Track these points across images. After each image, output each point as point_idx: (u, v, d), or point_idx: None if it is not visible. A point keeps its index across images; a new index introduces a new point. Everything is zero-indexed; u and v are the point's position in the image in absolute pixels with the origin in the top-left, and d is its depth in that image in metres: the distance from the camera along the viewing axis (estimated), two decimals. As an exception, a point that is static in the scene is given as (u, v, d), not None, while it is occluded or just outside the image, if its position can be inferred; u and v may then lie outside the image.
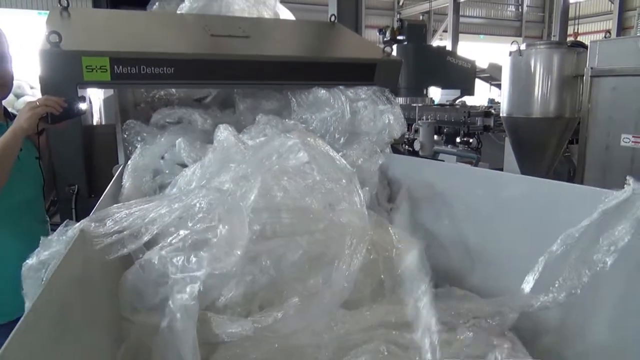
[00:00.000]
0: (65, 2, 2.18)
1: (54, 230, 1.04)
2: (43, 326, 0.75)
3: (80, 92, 1.88)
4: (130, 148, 2.03)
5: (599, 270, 1.06)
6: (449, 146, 7.08)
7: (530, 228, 1.39)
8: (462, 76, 9.09)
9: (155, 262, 1.03)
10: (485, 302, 1.30)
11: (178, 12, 2.65)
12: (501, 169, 5.53)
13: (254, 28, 2.46)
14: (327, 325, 1.13)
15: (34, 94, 7.43)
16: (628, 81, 3.98)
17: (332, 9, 5.44)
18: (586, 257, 1.09)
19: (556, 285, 1.12)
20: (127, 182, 1.70)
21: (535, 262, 1.19)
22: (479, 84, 10.01)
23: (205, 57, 2.12)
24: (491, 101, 10.81)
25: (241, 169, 1.25)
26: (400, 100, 8.03)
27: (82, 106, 1.79)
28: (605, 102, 4.17)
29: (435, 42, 16.10)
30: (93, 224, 1.06)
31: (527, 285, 1.18)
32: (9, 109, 1.95)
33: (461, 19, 16.89)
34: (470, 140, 6.76)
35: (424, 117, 7.31)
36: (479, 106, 8.05)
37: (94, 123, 2.74)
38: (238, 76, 2.19)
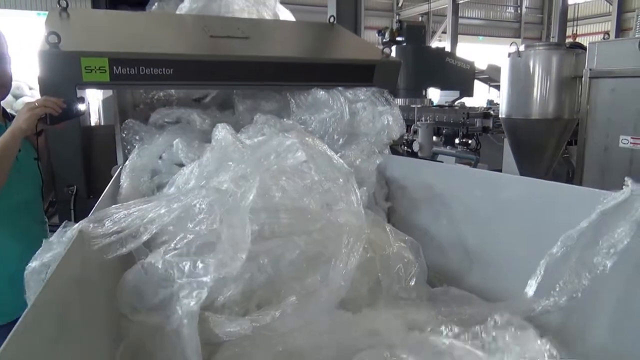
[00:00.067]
0: (65, 2, 2.18)
1: (52, 231, 1.04)
2: (42, 326, 0.75)
3: (79, 93, 1.88)
4: (128, 147, 2.03)
5: (599, 273, 1.07)
6: (447, 147, 7.08)
7: (529, 229, 1.39)
8: (461, 77, 9.09)
9: (160, 266, 1.03)
10: (487, 307, 1.30)
11: (177, 12, 2.65)
12: (500, 170, 5.53)
13: (253, 29, 2.46)
14: (329, 327, 1.13)
15: (33, 95, 7.43)
16: (627, 82, 3.99)
17: (332, 10, 5.45)
18: (586, 260, 1.09)
19: (557, 289, 1.12)
20: (124, 182, 1.71)
21: (533, 262, 1.19)
22: (478, 85, 10.01)
23: (204, 58, 2.12)
24: (490, 102, 10.82)
25: (240, 169, 1.25)
26: (399, 101, 8.03)
27: (81, 107, 1.79)
28: (604, 104, 4.18)
29: (434, 44, 16.13)
30: (92, 225, 1.06)
31: (530, 289, 1.18)
32: (8, 110, 1.95)
33: (460, 21, 16.91)
34: (469, 142, 6.75)
35: (423, 118, 7.31)
36: (478, 107, 8.05)
37: (92, 124, 2.74)
38: (237, 77, 2.19)
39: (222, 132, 1.41)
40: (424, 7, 18.80)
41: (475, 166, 6.06)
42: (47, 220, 1.98)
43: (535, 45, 5.08)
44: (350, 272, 1.11)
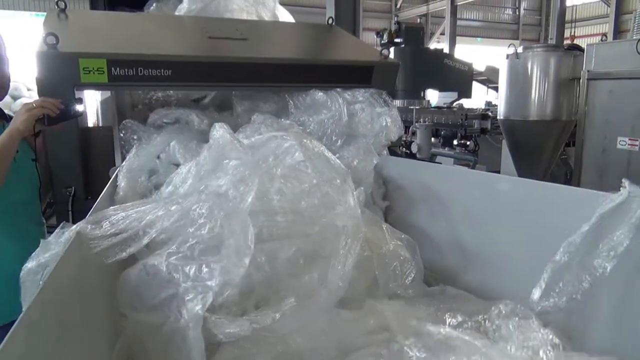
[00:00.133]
0: (63, 3, 2.17)
1: (50, 232, 1.04)
2: (40, 327, 0.75)
3: (77, 94, 1.88)
4: (126, 147, 2.03)
5: (599, 275, 1.07)
6: (446, 149, 7.09)
7: (527, 230, 1.39)
8: (460, 79, 9.10)
9: (163, 269, 1.03)
10: (484, 305, 1.30)
11: (176, 13, 2.65)
12: (498, 172, 5.53)
13: (251, 30, 2.46)
14: (328, 327, 1.13)
15: (31, 96, 7.42)
16: (624, 84, 4.00)
17: (330, 12, 5.45)
18: (586, 262, 1.09)
19: (557, 290, 1.12)
20: (122, 182, 1.70)
21: (531, 263, 1.19)
22: (476, 87, 10.01)
23: (202, 59, 2.12)
24: (488, 104, 10.84)
25: (238, 172, 1.25)
26: (398, 102, 8.03)
27: (79, 108, 1.79)
28: (601, 105, 4.18)
29: (433, 45, 16.16)
30: (90, 226, 1.06)
31: (535, 297, 1.17)
32: (6, 111, 1.94)
33: (458, 22, 16.95)
34: (468, 143, 6.77)
35: (422, 120, 7.32)
36: (476, 109, 8.07)
37: (91, 125, 2.74)
38: (236, 78, 2.19)
39: (219, 131, 1.41)
40: (422, 9, 18.85)
41: (473, 167, 6.07)
42: (44, 221, 1.97)
43: (534, 47, 5.09)
44: (348, 273, 1.12)
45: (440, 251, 1.73)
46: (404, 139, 6.51)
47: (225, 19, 2.61)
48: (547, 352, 1.00)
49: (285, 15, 2.97)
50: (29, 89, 7.89)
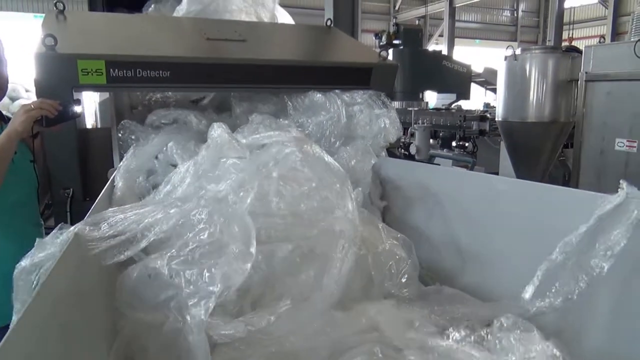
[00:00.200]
0: (61, 5, 2.17)
1: (48, 233, 1.03)
2: (38, 329, 0.74)
3: (75, 95, 1.88)
4: (124, 147, 2.02)
5: (595, 275, 1.07)
6: (444, 150, 7.10)
7: (525, 231, 1.39)
8: (458, 80, 9.11)
9: (165, 272, 1.03)
10: (481, 306, 1.30)
11: (175, 15, 2.65)
12: (497, 173, 5.54)
13: (250, 32, 2.46)
14: (322, 328, 1.13)
15: (29, 97, 7.42)
16: (622, 86, 4.01)
17: (329, 13, 5.45)
18: (583, 262, 1.10)
19: (553, 290, 1.13)
20: (119, 183, 1.70)
21: (528, 264, 1.19)
22: (475, 89, 10.02)
23: (201, 60, 2.12)
24: (487, 105, 10.83)
25: (238, 178, 1.25)
26: (396, 104, 8.04)
27: (78, 109, 1.78)
28: (599, 107, 4.20)
29: (431, 47, 16.19)
30: (88, 228, 1.06)
31: (527, 294, 1.18)
32: (4, 112, 1.94)
33: (457, 24, 16.98)
34: (466, 144, 6.78)
35: (420, 121, 7.33)
36: (475, 110, 8.07)
37: (89, 126, 2.73)
38: (234, 80, 2.19)
39: (217, 130, 1.41)
40: (421, 11, 18.87)
41: (472, 169, 6.08)
42: (42, 222, 1.97)
43: (532, 49, 5.11)
44: (343, 277, 1.13)
45: (438, 251, 1.73)
46: (403, 140, 6.51)
47: (224, 20, 2.61)
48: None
49: (284, 17, 2.97)
50: (27, 90, 7.89)
